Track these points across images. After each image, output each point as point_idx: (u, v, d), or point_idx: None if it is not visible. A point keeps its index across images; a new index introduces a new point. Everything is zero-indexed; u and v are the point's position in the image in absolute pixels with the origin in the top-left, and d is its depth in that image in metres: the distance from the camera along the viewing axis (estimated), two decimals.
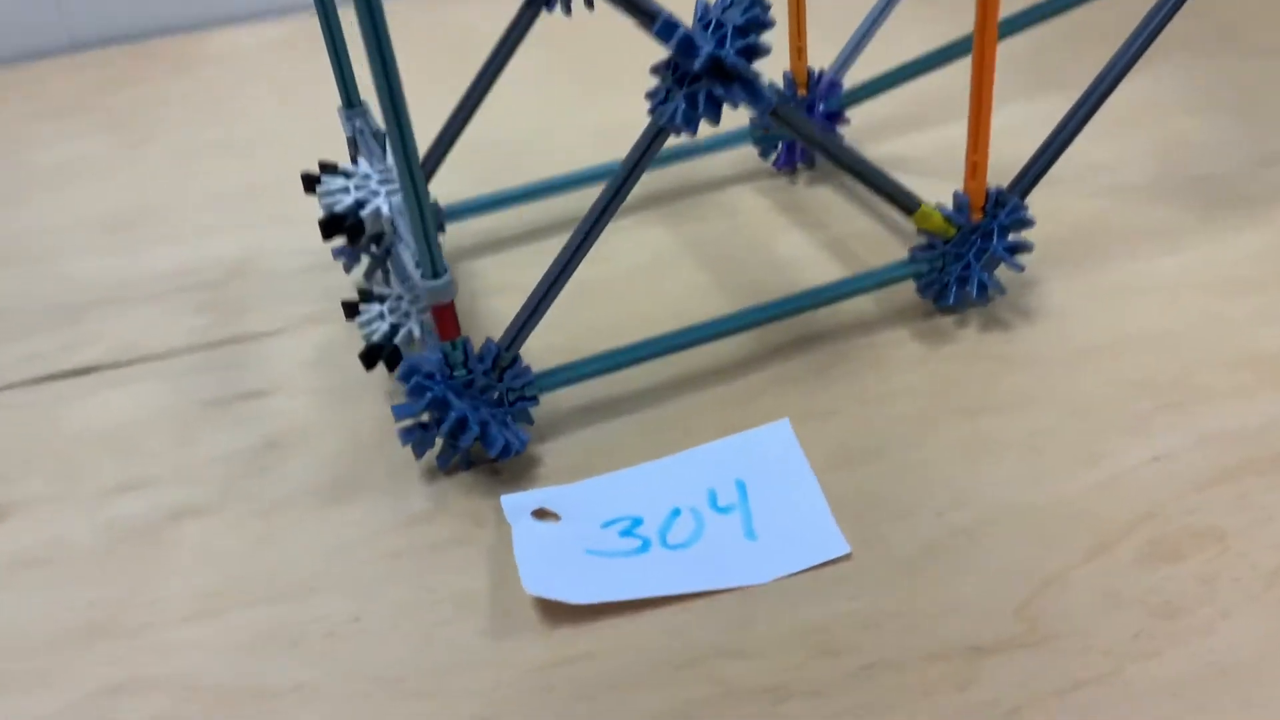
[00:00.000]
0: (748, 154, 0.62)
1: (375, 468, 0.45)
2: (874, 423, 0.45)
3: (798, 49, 0.57)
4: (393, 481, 0.44)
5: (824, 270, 0.53)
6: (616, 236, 0.56)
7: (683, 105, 0.39)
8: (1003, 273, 0.49)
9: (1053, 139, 0.47)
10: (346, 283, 0.55)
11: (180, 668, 0.38)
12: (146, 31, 0.84)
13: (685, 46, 0.38)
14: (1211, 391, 0.44)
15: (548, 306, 0.42)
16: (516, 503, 0.42)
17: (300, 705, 0.36)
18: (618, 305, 0.52)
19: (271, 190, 0.64)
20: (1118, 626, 0.36)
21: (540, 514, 0.42)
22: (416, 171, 0.37)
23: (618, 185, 0.41)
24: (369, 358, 0.46)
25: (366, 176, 0.46)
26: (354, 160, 0.51)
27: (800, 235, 0.56)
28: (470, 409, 0.42)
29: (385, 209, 0.44)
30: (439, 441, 0.43)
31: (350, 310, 0.48)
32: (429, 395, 0.41)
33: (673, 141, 0.55)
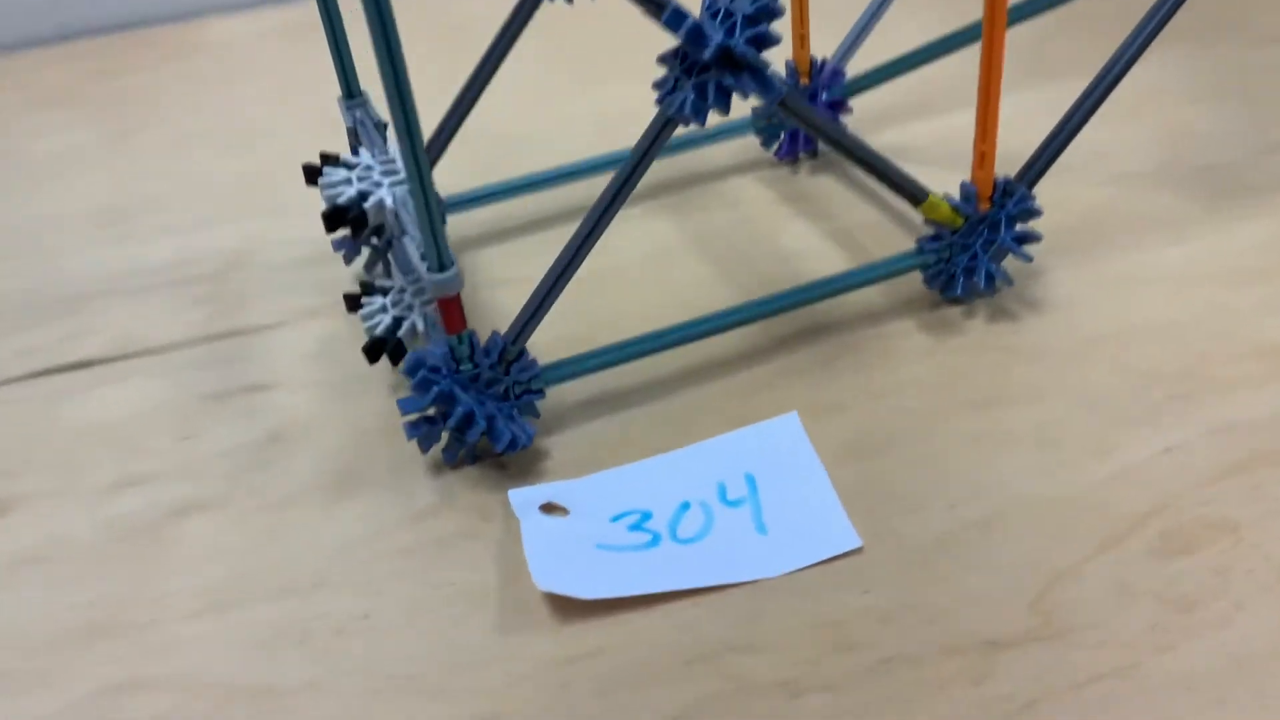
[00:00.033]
0: (749, 144, 0.61)
1: (379, 462, 0.44)
2: (883, 415, 0.44)
3: (800, 37, 0.56)
4: (398, 476, 0.44)
5: (829, 261, 0.53)
6: (619, 227, 0.55)
7: (691, 95, 0.39)
8: (1009, 263, 0.49)
9: (1061, 128, 0.47)
10: (346, 275, 0.55)
11: (185, 666, 0.37)
12: (139, 20, 0.83)
13: (694, 36, 0.37)
14: (1220, 382, 0.44)
15: (554, 299, 0.42)
16: (524, 497, 0.41)
17: (310, 703, 0.36)
18: (621, 297, 0.52)
19: (268, 181, 0.63)
20: (1133, 619, 0.36)
21: (548, 508, 0.41)
22: (423, 163, 0.37)
23: (625, 176, 0.40)
24: (372, 352, 0.46)
25: (369, 168, 0.45)
26: (354, 151, 0.50)
27: (804, 225, 0.56)
28: (477, 403, 0.42)
29: (389, 201, 0.44)
30: (444, 436, 0.43)
31: (352, 303, 0.48)
32: (435, 390, 0.41)
33: (675, 131, 0.55)
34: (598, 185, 0.56)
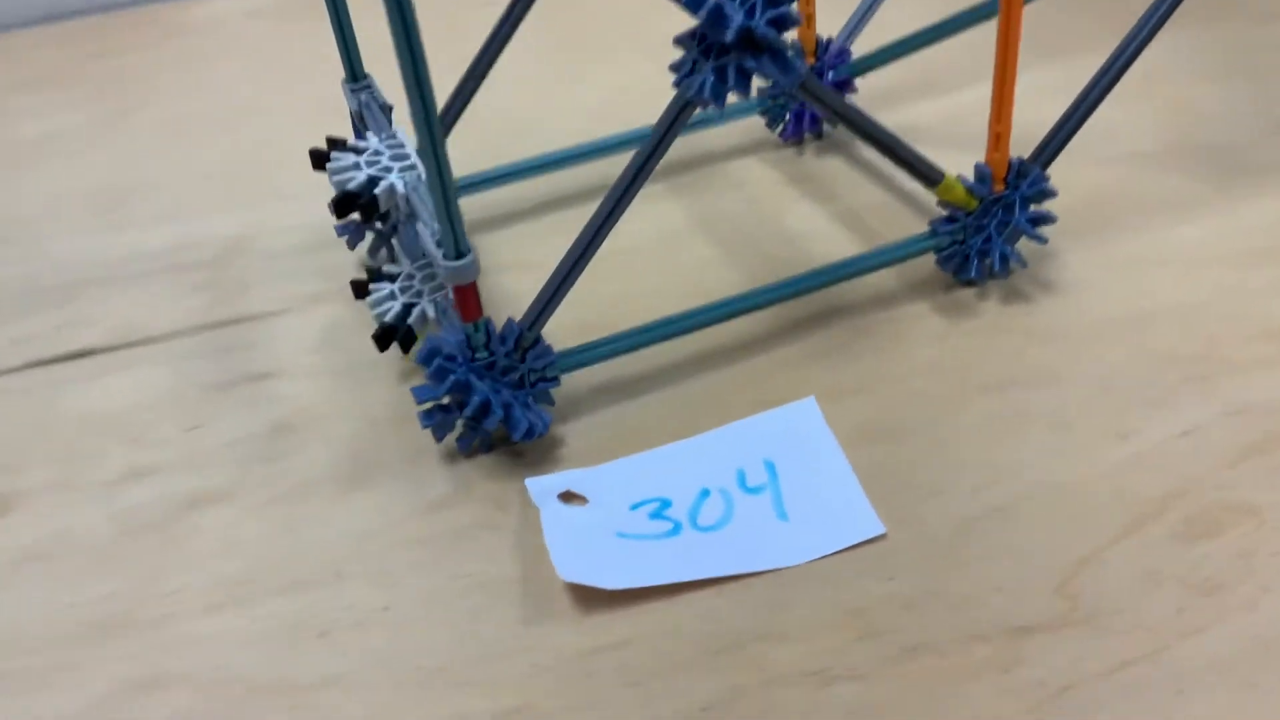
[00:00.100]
0: (753, 124, 0.61)
1: (392, 451, 0.44)
2: (899, 398, 0.44)
3: (806, 15, 0.56)
4: (411, 466, 0.43)
5: (837, 243, 0.53)
6: (625, 210, 0.55)
7: (711, 78, 0.38)
8: (1022, 244, 0.48)
9: (1075, 109, 0.46)
10: (348, 260, 0.54)
11: (205, 661, 0.37)
12: (129, 0, 0.82)
13: (715, 17, 0.37)
14: (1235, 364, 0.44)
15: (570, 285, 0.41)
16: (542, 486, 0.41)
17: (334, 698, 0.35)
18: (630, 280, 0.51)
19: (265, 164, 0.62)
20: (1160, 604, 0.36)
21: (566, 497, 0.41)
22: (441, 149, 0.36)
23: (642, 160, 0.40)
24: (382, 339, 0.45)
25: (377, 152, 0.45)
26: (358, 135, 0.49)
27: (811, 207, 0.55)
28: (493, 391, 0.41)
29: (400, 186, 0.43)
30: (459, 424, 0.42)
31: (359, 290, 0.47)
32: (452, 379, 0.40)
33: None
34: (603, 167, 0.56)
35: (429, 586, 0.39)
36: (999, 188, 0.46)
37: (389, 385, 0.47)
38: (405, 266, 0.47)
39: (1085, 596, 0.36)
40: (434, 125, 0.35)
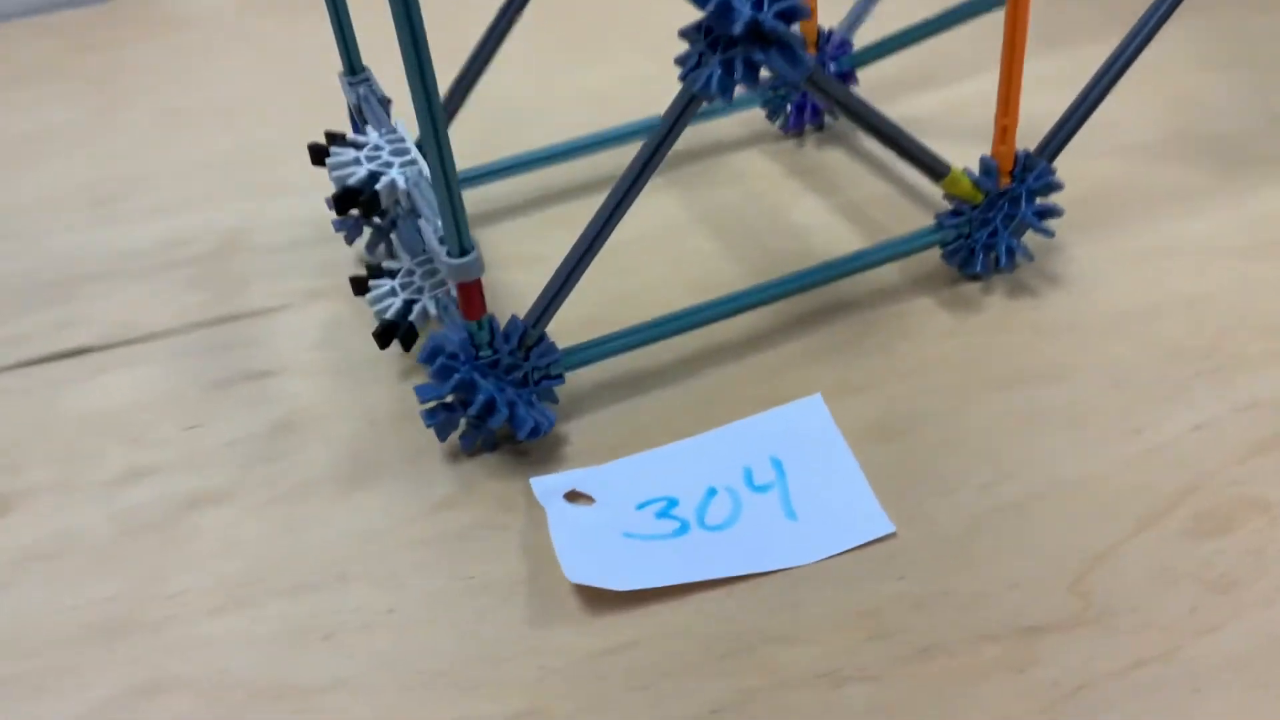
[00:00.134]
0: (753, 116, 0.60)
1: (394, 450, 0.43)
2: (907, 395, 0.44)
3: (808, 6, 0.55)
4: (414, 465, 0.43)
5: (839, 236, 0.52)
6: (630, 205, 0.54)
7: (718, 71, 0.37)
8: (1028, 237, 0.48)
9: (1081, 101, 0.46)
10: (346, 255, 0.53)
11: (209, 665, 0.36)
12: None
13: (723, 9, 0.36)
14: (1245, 357, 0.44)
15: (575, 282, 0.41)
16: (547, 485, 0.40)
17: (340, 702, 0.35)
18: (632, 275, 0.51)
19: (259, 158, 0.61)
20: (1174, 602, 0.36)
21: (572, 496, 0.40)
22: (445, 147, 0.35)
23: (648, 155, 0.39)
24: (383, 337, 0.45)
25: (378, 147, 0.44)
26: (356, 129, 0.49)
27: (813, 200, 0.55)
28: (497, 390, 0.41)
29: (401, 182, 0.42)
30: (462, 422, 0.42)
31: (359, 286, 0.47)
32: (456, 377, 0.40)
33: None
34: (602, 159, 0.56)
35: (434, 588, 0.38)
36: (1005, 181, 0.46)
37: (390, 383, 0.46)
38: (405, 262, 0.47)
39: (1098, 595, 0.36)
40: (439, 122, 0.35)
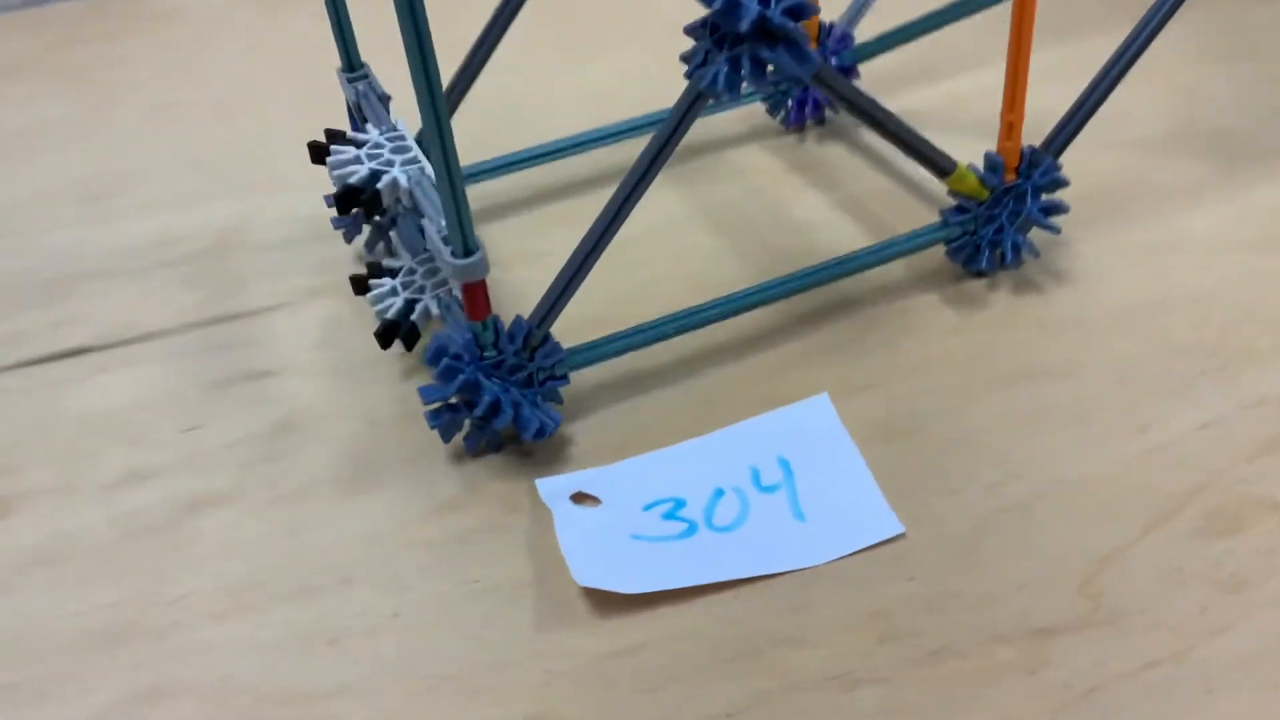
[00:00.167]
0: (753, 110, 0.60)
1: (396, 451, 0.43)
2: (912, 393, 0.43)
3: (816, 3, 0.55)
4: (417, 466, 0.42)
5: (842, 231, 0.52)
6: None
7: (725, 69, 0.37)
8: (1034, 234, 0.48)
9: (1086, 97, 0.46)
10: (344, 253, 0.53)
11: (213, 671, 0.36)
12: None
13: (731, 6, 0.36)
14: (1252, 354, 0.44)
15: (580, 282, 0.41)
16: (553, 487, 0.40)
17: (345, 707, 0.35)
18: (633, 272, 0.50)
19: (253, 154, 0.61)
20: (1184, 602, 0.35)
21: (578, 498, 0.40)
22: (450, 145, 0.35)
23: (654, 154, 0.39)
24: (385, 337, 0.44)
25: (378, 145, 0.44)
26: (354, 126, 0.48)
27: (814, 195, 0.54)
28: (502, 390, 0.40)
29: (403, 181, 0.42)
30: (466, 423, 0.42)
31: (359, 285, 0.46)
32: (461, 378, 0.39)
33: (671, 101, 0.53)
34: (601, 155, 0.55)
35: (439, 591, 0.38)
36: (1011, 177, 0.46)
37: (391, 383, 0.46)
38: (405, 260, 0.46)
39: (1108, 595, 0.36)
40: (443, 123, 0.34)
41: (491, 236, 0.53)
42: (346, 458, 0.43)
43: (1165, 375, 0.43)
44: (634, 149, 0.55)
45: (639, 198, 0.40)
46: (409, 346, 0.45)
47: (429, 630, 0.37)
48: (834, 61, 0.56)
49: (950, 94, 0.60)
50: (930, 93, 0.60)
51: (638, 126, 0.55)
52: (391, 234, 0.50)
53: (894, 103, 0.60)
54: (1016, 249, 0.46)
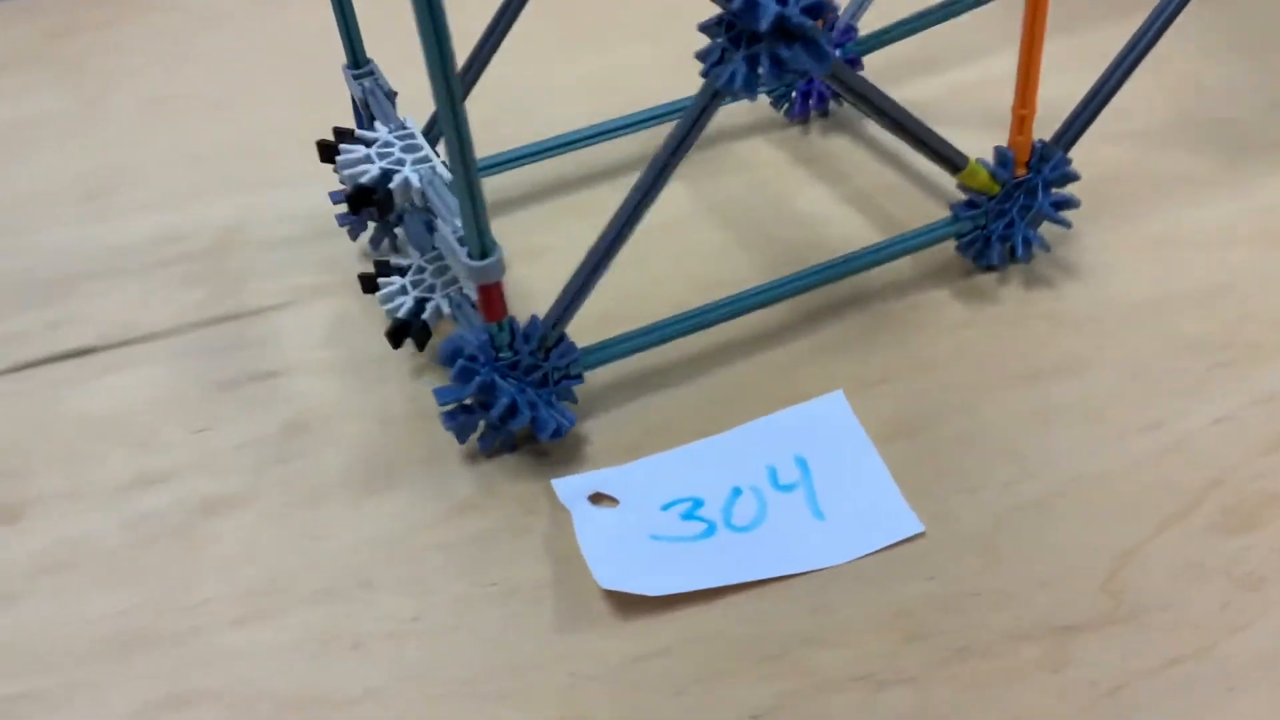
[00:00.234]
0: (757, 103, 0.59)
1: (410, 452, 0.43)
2: (926, 390, 0.43)
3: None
4: (432, 467, 0.42)
5: (849, 225, 0.52)
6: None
7: (743, 68, 0.37)
8: (1044, 228, 0.48)
9: (1096, 91, 0.46)
10: (347, 250, 0.52)
11: (234, 677, 0.36)
12: None
13: (750, 5, 0.36)
14: (1263, 348, 0.44)
15: (595, 282, 0.40)
16: (570, 487, 0.40)
17: (368, 712, 0.35)
18: (642, 268, 0.50)
19: (254, 149, 0.60)
20: (1204, 599, 0.36)
21: (595, 498, 0.40)
22: (468, 148, 0.35)
23: (669, 153, 0.39)
24: (395, 336, 0.44)
25: (388, 144, 0.43)
26: (360, 124, 0.48)
27: (821, 189, 0.54)
28: (518, 391, 0.40)
29: (415, 180, 0.41)
30: (480, 424, 0.41)
31: (368, 284, 0.46)
32: (477, 380, 0.39)
33: (680, 94, 0.53)
34: (607, 149, 0.55)
35: (459, 594, 0.38)
36: (1021, 172, 0.46)
37: (401, 382, 0.46)
38: (413, 258, 0.46)
39: (1129, 592, 0.36)
40: (464, 130, 0.34)
41: (498, 231, 0.53)
42: (360, 458, 0.43)
43: (1177, 371, 0.43)
44: (636, 143, 0.55)
45: (655, 198, 0.39)
46: (420, 346, 0.45)
47: (450, 634, 0.37)
48: (838, 54, 0.56)
49: (953, 84, 0.60)
50: (933, 83, 0.60)
51: (643, 120, 0.54)
52: (397, 230, 0.49)
53: (896, 93, 0.59)
54: (1027, 243, 0.46)
